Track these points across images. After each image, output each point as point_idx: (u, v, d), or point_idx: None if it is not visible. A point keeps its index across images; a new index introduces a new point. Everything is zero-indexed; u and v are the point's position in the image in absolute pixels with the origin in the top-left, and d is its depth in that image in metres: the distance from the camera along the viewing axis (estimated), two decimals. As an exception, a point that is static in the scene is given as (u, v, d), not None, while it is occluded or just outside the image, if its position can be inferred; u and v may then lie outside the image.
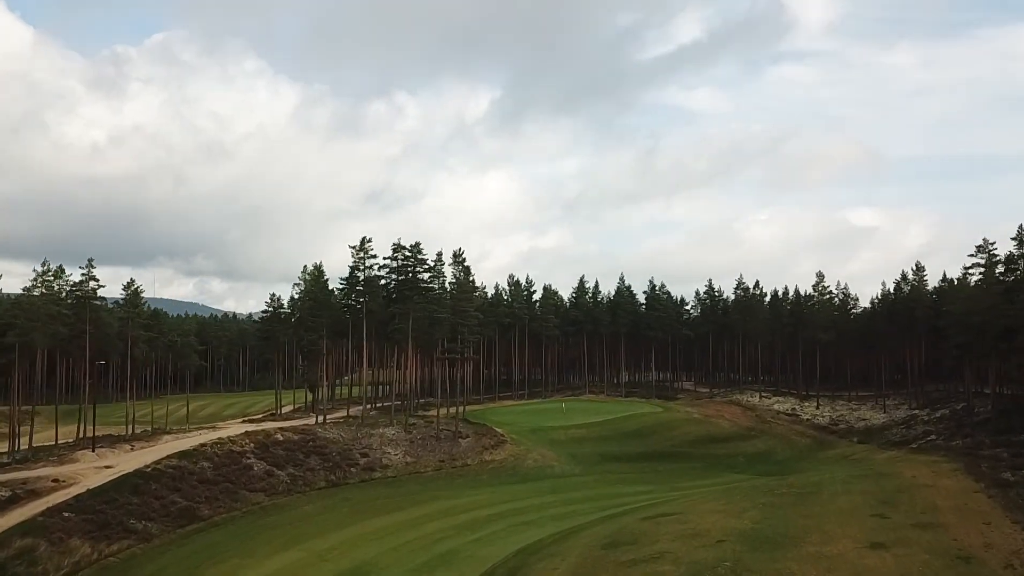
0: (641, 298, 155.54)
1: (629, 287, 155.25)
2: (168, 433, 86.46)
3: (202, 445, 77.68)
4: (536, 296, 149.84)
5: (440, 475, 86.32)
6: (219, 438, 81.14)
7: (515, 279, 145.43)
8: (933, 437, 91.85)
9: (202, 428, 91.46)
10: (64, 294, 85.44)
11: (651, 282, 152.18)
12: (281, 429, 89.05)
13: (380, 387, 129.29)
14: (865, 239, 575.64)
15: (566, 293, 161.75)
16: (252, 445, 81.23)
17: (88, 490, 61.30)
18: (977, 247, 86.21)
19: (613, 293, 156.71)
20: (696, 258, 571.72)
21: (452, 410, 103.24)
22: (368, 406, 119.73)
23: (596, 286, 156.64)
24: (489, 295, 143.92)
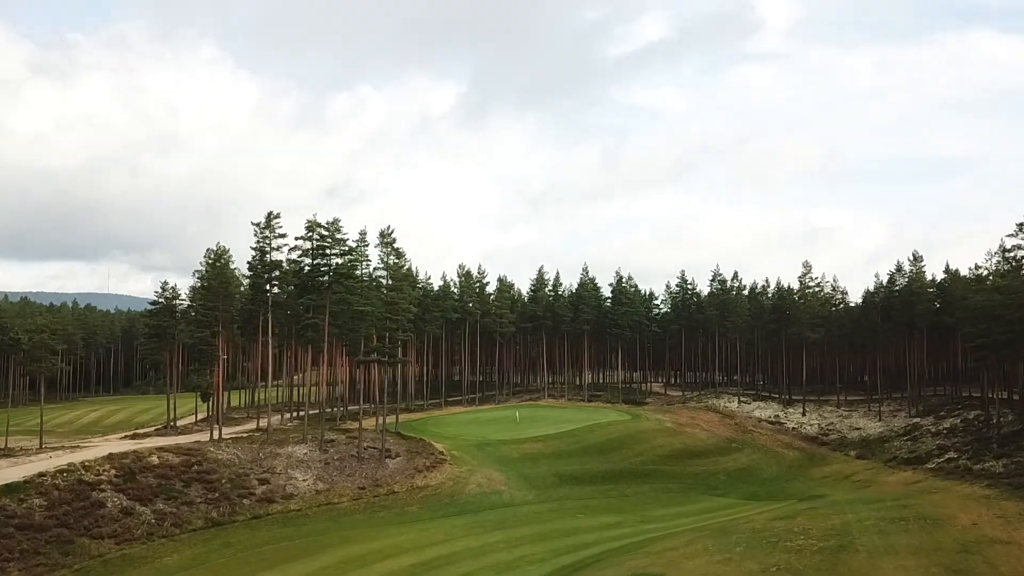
0: (607, 292, 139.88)
1: (593, 279, 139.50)
2: (8, 456, 68.16)
3: (41, 475, 59.87)
4: (490, 288, 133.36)
5: (358, 506, 69.41)
6: (70, 463, 63.22)
7: (465, 269, 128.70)
8: (953, 455, 77.30)
9: (63, 447, 73.40)
10: None
11: (617, 274, 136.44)
12: (161, 449, 71.36)
13: (312, 391, 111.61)
14: (825, 237, 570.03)
15: (527, 287, 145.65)
16: (113, 472, 63.53)
17: None
18: (1019, 225, 71.67)
19: (576, 287, 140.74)
20: (660, 255, 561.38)
21: (387, 419, 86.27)
22: (290, 415, 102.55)
23: (557, 278, 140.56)
24: (436, 286, 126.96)
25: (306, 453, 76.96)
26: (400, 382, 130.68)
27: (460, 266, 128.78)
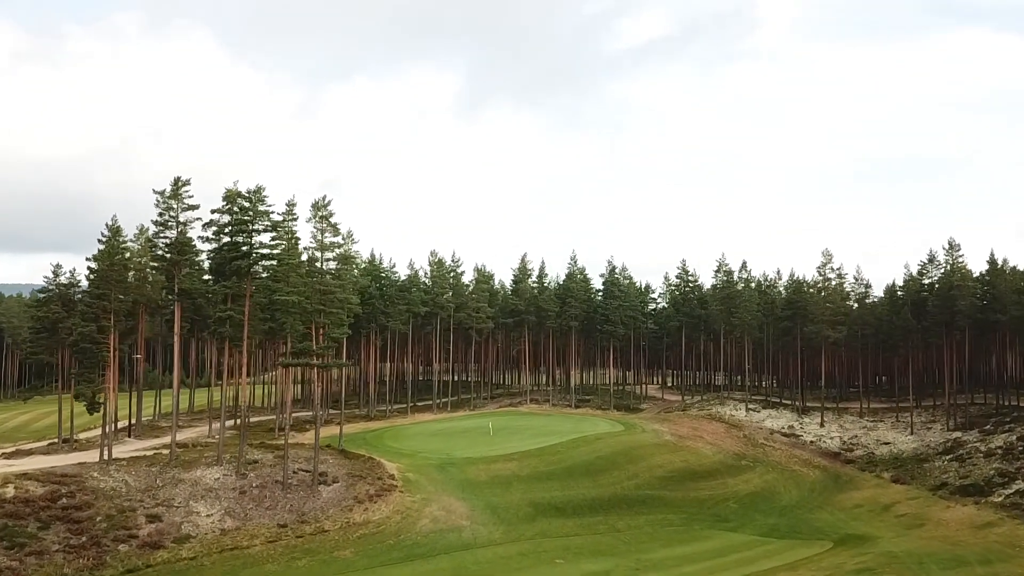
0: (597, 284, 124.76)
1: (583, 270, 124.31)
2: None
3: None
4: (467, 279, 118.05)
5: (274, 551, 54.17)
6: None
7: (437, 256, 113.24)
8: (1024, 485, 62.41)
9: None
10: None
11: (610, 263, 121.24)
12: (24, 475, 56.03)
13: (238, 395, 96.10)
14: (820, 237, 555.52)
15: (509, 280, 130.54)
16: (-59, 511, 48.16)
17: None
18: None
19: (563, 278, 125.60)
20: (659, 251, 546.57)
21: (319, 432, 71.09)
22: (220, 424, 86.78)
23: (542, 268, 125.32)
24: (402, 276, 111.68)
25: (218, 478, 61.66)
26: (361, 385, 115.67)
27: (432, 253, 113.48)
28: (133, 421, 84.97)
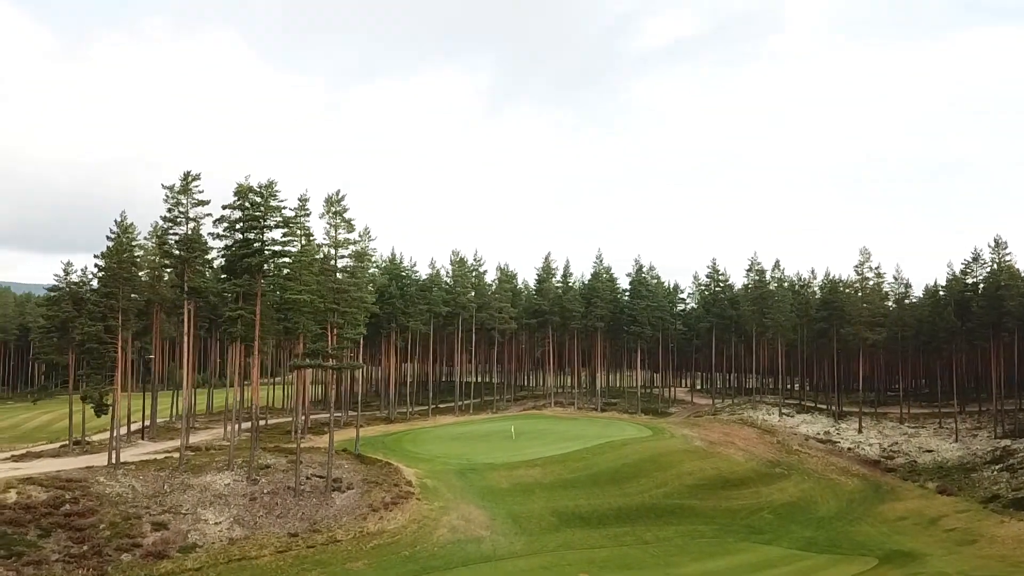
0: (624, 284, 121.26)
1: (608, 269, 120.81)
2: None
3: None
4: (489, 278, 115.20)
5: (283, 562, 51.51)
6: None
7: (459, 255, 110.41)
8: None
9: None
10: None
11: (637, 262, 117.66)
12: (28, 479, 54.06)
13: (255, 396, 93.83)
14: (839, 238, 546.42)
15: (532, 280, 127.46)
16: (-63, 517, 46.19)
17: None
18: None
19: (588, 277, 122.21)
20: (684, 254, 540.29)
21: (336, 435, 68.49)
22: (236, 427, 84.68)
23: (567, 267, 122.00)
24: (423, 275, 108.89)
25: (228, 484, 59.30)
26: (382, 386, 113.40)
27: (453, 252, 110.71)
28: (147, 423, 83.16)
